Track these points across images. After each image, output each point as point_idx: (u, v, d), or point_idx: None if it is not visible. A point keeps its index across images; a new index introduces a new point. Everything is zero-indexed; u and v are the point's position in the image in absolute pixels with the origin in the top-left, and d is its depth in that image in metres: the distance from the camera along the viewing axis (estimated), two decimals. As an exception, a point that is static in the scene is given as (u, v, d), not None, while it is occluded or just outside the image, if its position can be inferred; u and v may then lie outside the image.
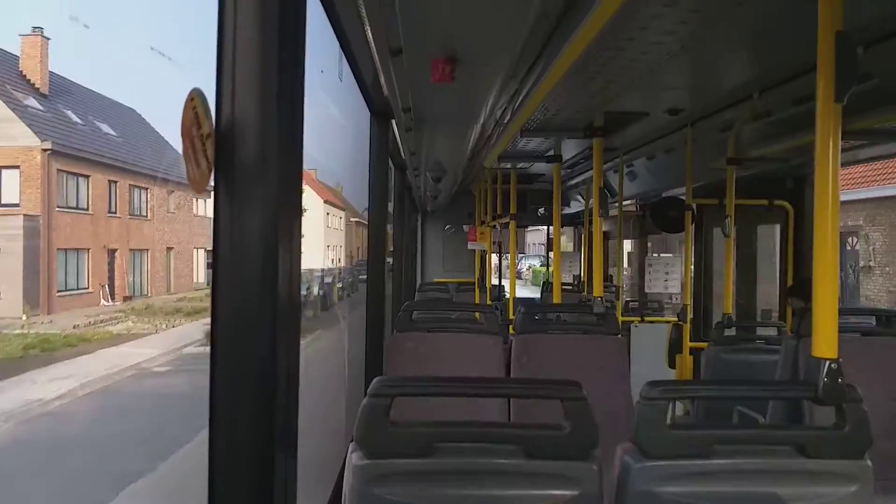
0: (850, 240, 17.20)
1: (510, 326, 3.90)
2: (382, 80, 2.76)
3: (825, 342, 1.83)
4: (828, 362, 1.77)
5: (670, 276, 6.16)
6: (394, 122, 3.60)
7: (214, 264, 1.22)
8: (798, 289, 4.15)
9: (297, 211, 1.33)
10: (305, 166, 1.47)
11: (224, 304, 1.22)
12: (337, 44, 2.47)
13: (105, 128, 21.72)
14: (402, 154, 4.93)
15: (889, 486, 2.01)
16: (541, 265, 26.15)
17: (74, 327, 16.72)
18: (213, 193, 1.25)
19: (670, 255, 6.89)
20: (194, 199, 23.81)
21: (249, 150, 1.22)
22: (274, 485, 1.19)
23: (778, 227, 5.57)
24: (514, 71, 2.88)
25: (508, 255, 7.28)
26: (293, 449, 1.28)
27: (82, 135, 20.45)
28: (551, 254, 5.94)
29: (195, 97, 1.17)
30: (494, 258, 8.59)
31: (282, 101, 1.25)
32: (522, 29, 2.34)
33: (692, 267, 5.92)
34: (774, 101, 3.35)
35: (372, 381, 1.67)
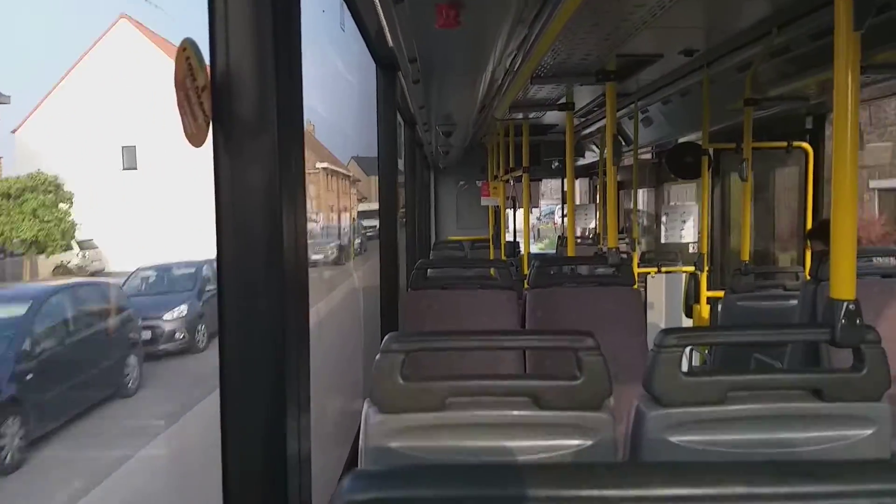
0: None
1: (525, 282, 3.88)
2: (386, 28, 2.68)
3: (843, 283, 1.79)
4: (846, 303, 1.74)
5: (686, 224, 6.08)
6: (400, 74, 3.52)
7: (217, 221, 1.20)
8: (818, 231, 4.07)
9: (300, 163, 1.30)
10: (317, 124, 1.43)
11: (229, 263, 1.20)
12: (337, -8, 2.40)
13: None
14: (411, 108, 4.85)
15: None
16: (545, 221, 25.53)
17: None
18: (213, 148, 1.22)
19: (688, 203, 6.79)
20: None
21: (248, 102, 1.19)
22: (287, 442, 1.19)
23: (797, 170, 5.45)
24: (521, 14, 2.78)
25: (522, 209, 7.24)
26: (306, 406, 1.28)
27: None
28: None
29: (187, 47, 1.13)
30: (509, 213, 8.53)
31: (279, 50, 1.20)
32: None
33: (709, 215, 5.83)
34: (793, 37, 3.22)
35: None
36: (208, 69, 1.17)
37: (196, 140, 1.15)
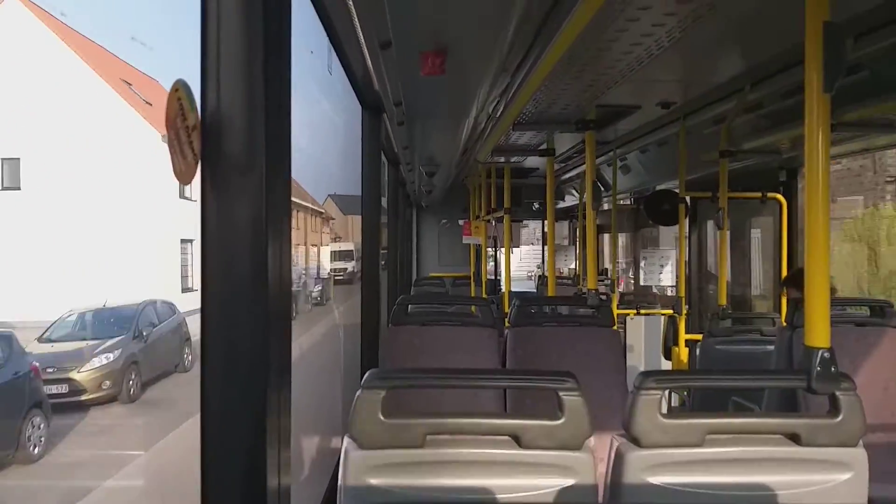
0: None
1: (506, 320, 3.90)
2: (373, 73, 2.75)
3: (818, 331, 1.83)
4: (821, 351, 1.78)
5: (665, 268, 6.17)
6: (385, 116, 3.59)
7: (203, 257, 1.22)
8: (793, 279, 4.16)
9: (286, 203, 1.33)
10: (296, 161, 1.47)
11: (213, 298, 1.22)
12: (326, 37, 2.47)
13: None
14: (395, 148, 4.92)
15: (883, 474, 2.02)
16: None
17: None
18: (201, 186, 1.24)
19: (664, 248, 6.91)
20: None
21: (236, 142, 1.22)
22: (267, 478, 1.19)
23: (772, 220, 5.59)
24: (505, 64, 2.87)
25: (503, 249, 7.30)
26: (286, 441, 1.28)
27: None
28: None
29: (179, 88, 1.16)
30: (490, 252, 8.60)
31: (269, 92, 1.24)
32: (512, 21, 2.34)
33: (686, 260, 5.93)
34: (766, 94, 3.35)
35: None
36: (199, 109, 1.20)
37: (184, 177, 1.18)
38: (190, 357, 11.24)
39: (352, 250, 23.29)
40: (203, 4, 1.18)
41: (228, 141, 1.21)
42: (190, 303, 13.57)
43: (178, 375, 10.74)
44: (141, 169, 14.39)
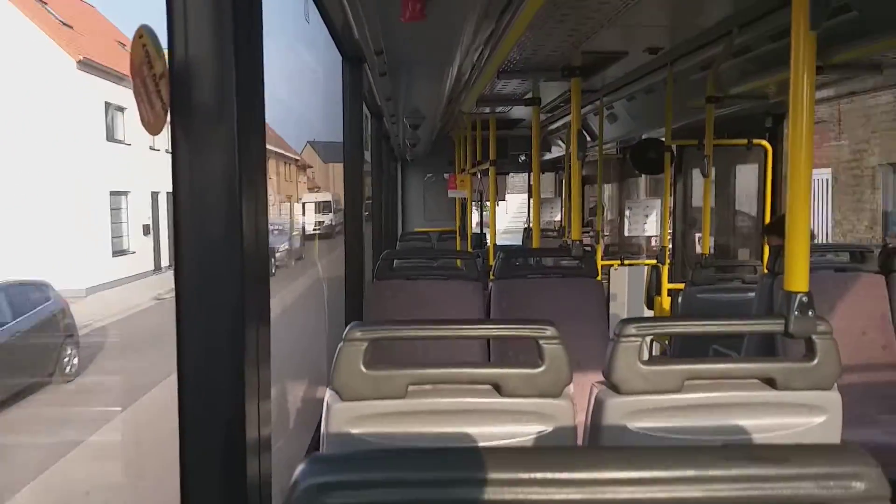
0: None
1: (490, 273, 3.91)
2: (352, 21, 2.66)
3: (797, 276, 1.85)
4: (799, 295, 1.80)
5: (649, 218, 6.19)
6: (367, 66, 3.50)
7: (175, 210, 1.19)
8: (775, 226, 4.18)
9: (261, 153, 1.29)
10: (276, 112, 1.42)
11: (187, 252, 1.19)
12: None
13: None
14: (378, 100, 4.82)
15: (857, 418, 2.06)
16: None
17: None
18: (170, 135, 1.20)
19: (647, 197, 6.92)
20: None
21: (207, 90, 1.17)
22: (246, 429, 1.19)
23: (757, 167, 5.59)
24: (488, 9, 2.79)
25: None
26: (266, 394, 1.28)
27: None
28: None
29: (144, 34, 1.11)
30: (475, 205, 8.58)
31: (238, 38, 1.19)
32: None
33: (671, 209, 5.94)
34: (753, 37, 3.30)
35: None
36: (166, 56, 1.16)
37: (153, 128, 1.14)
38: (76, 359, 8.51)
39: (329, 201, 22.16)
40: None
41: (199, 90, 1.17)
42: (123, 269, 11.81)
43: (56, 388, 8.06)
44: (51, 105, 11.30)
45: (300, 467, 0.74)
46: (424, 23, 2.62)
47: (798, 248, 1.85)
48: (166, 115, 1.16)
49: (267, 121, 1.34)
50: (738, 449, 0.94)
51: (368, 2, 2.48)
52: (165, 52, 1.16)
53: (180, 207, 1.17)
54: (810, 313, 1.77)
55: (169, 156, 1.18)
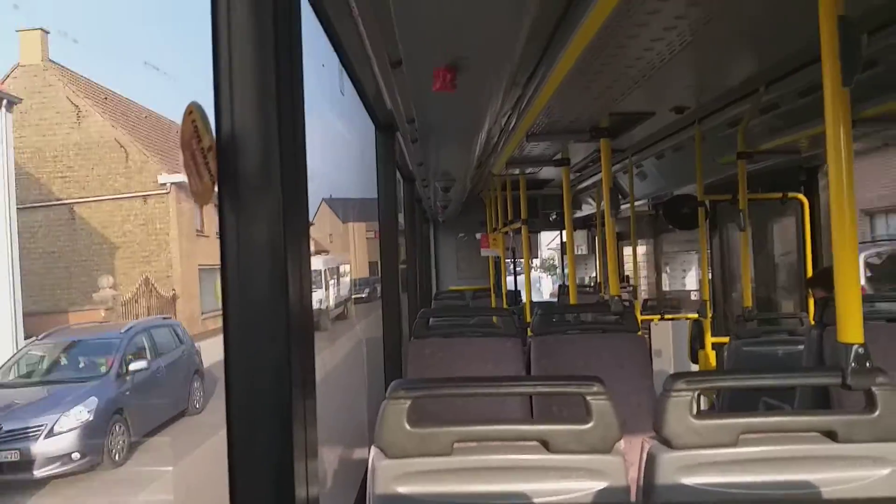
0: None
1: (528, 329, 3.88)
2: (385, 92, 2.77)
3: (851, 327, 1.80)
4: (854, 347, 1.75)
5: (688, 273, 6.11)
6: (399, 134, 3.62)
7: (223, 277, 1.23)
8: (819, 278, 4.10)
9: (304, 220, 1.34)
10: (312, 183, 1.48)
11: (234, 318, 1.23)
12: (337, 59, 2.50)
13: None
14: (410, 165, 4.95)
15: None
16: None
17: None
18: (218, 206, 1.26)
19: (687, 252, 6.86)
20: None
21: (252, 162, 1.24)
22: (295, 489, 1.19)
23: (793, 220, 5.52)
24: (516, 76, 2.88)
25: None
26: (314, 453, 1.29)
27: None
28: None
29: (193, 110, 1.18)
30: (509, 263, 8.60)
31: (282, 112, 1.26)
32: (522, 33, 2.35)
33: (708, 263, 5.87)
34: (781, 93, 3.32)
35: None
36: (213, 131, 1.22)
37: (202, 199, 1.20)
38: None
39: (336, 267, 21.03)
40: (214, 27, 1.20)
41: (245, 162, 1.22)
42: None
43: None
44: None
45: None
46: (455, 92, 2.72)
47: (849, 299, 1.81)
48: (214, 185, 1.22)
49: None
50: None
51: (400, 74, 2.58)
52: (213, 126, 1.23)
53: (228, 273, 1.22)
54: (868, 364, 1.72)
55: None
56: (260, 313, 1.23)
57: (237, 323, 1.23)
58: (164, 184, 20.48)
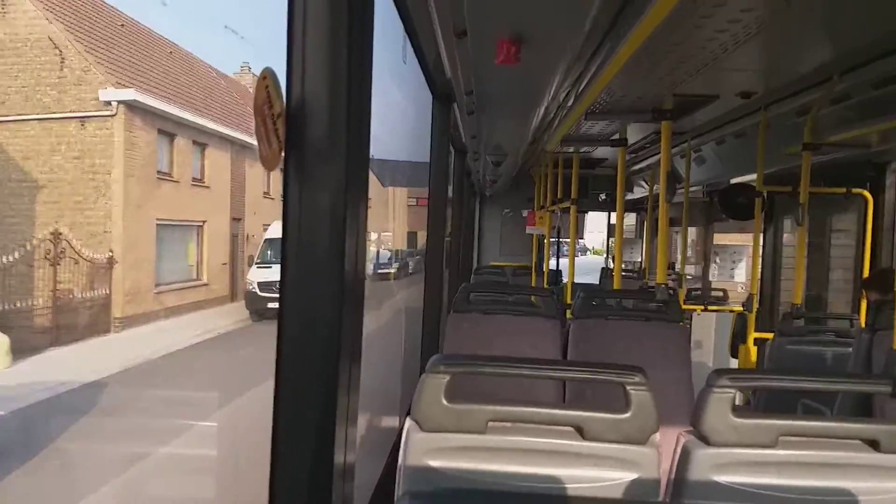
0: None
1: (567, 311, 3.87)
2: (446, 62, 2.75)
3: None
4: None
5: (738, 265, 5.97)
6: (455, 105, 3.60)
7: (284, 240, 1.26)
8: (876, 280, 3.96)
9: (365, 190, 1.35)
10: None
11: (292, 279, 1.26)
12: (401, 26, 2.49)
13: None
14: (463, 137, 4.92)
15: None
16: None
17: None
18: (283, 172, 1.28)
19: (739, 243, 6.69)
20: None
21: (319, 130, 1.25)
22: (334, 454, 1.23)
23: (855, 217, 5.32)
24: (580, 52, 2.82)
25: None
26: (353, 420, 1.32)
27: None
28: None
29: (267, 76, 1.20)
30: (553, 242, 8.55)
31: (351, 81, 1.27)
32: (590, 9, 2.30)
33: (760, 256, 5.73)
34: (855, 83, 3.18)
35: (428, 358, 1.70)
36: (284, 97, 1.24)
37: (270, 164, 1.22)
38: None
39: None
40: None
41: (312, 129, 1.24)
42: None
43: None
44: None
45: (400, 501, 0.75)
46: (516, 65, 2.68)
47: None
48: (281, 152, 1.24)
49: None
50: None
51: (464, 45, 2.56)
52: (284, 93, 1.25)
53: (289, 236, 1.25)
54: None
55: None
56: (316, 278, 1.25)
57: (294, 285, 1.26)
58: (109, 102, 14.72)
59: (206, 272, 18.37)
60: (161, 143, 16.55)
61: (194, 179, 18.25)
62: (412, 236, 18.42)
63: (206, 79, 21.71)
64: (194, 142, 18.12)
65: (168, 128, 16.82)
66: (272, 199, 22.17)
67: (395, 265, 16.37)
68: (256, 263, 17.32)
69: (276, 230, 18.00)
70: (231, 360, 12.42)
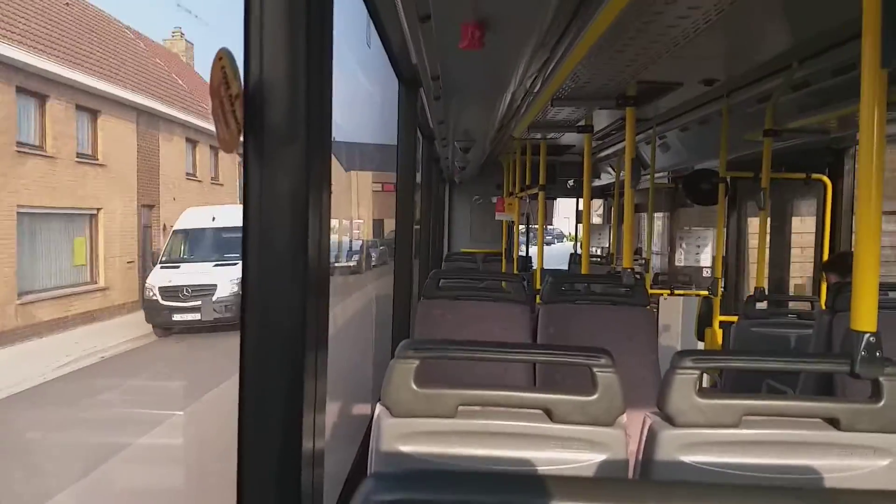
0: None
1: (537, 296, 3.90)
2: (411, 47, 2.73)
3: (864, 315, 1.80)
4: (866, 335, 1.75)
5: (703, 249, 6.08)
6: (422, 90, 3.58)
7: (245, 225, 1.24)
8: (835, 263, 4.06)
9: (327, 173, 1.34)
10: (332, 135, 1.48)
11: (253, 265, 1.24)
12: (365, 10, 2.46)
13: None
14: (431, 123, 4.91)
15: None
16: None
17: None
18: (243, 154, 1.26)
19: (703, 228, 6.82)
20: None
21: (278, 112, 1.23)
22: (302, 441, 1.22)
23: (814, 202, 5.45)
24: (545, 38, 2.83)
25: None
26: (321, 406, 1.31)
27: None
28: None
29: (223, 56, 1.17)
30: (522, 228, 8.60)
31: (310, 62, 1.25)
32: None
33: (724, 240, 5.84)
34: (814, 71, 3.25)
35: (398, 344, 1.70)
36: (242, 78, 1.22)
37: (228, 146, 1.20)
38: None
39: None
40: None
41: (271, 111, 1.22)
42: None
43: None
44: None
45: (365, 484, 0.75)
46: (481, 51, 2.68)
47: (866, 285, 1.80)
48: (240, 133, 1.22)
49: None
50: (812, 492, 0.90)
51: (428, 29, 2.54)
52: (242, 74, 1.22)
53: (249, 222, 1.23)
54: (878, 354, 1.72)
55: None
56: (279, 262, 1.24)
57: (256, 271, 1.24)
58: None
59: (102, 274, 14.72)
60: (25, 105, 12.68)
61: (81, 155, 14.44)
62: (378, 224, 16.50)
63: (114, 38, 18.18)
64: (79, 106, 14.31)
65: (35, 86, 12.78)
66: (198, 181, 18.73)
67: (357, 257, 14.53)
68: (161, 263, 14.21)
69: (190, 219, 14.88)
70: (105, 402, 8.61)
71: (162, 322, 12.66)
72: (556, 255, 11.43)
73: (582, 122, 4.49)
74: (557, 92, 3.63)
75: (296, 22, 1.22)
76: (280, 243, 1.23)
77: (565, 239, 35.51)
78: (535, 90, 3.76)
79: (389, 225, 12.93)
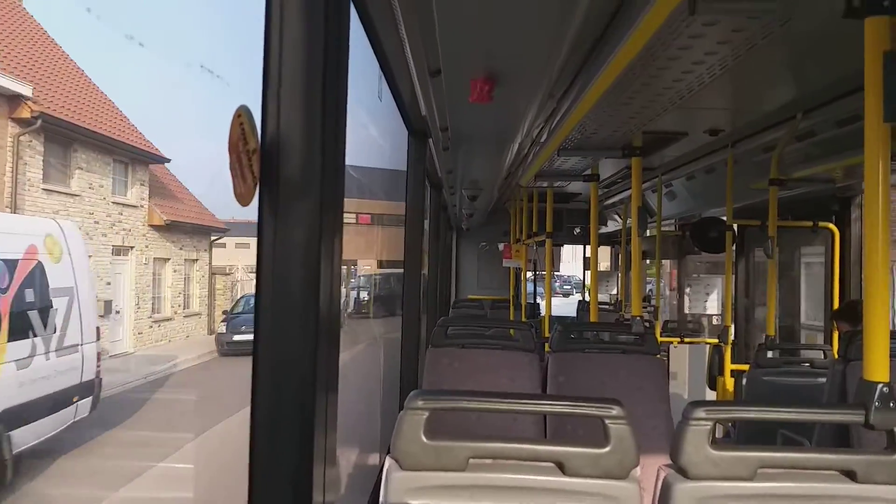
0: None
1: (546, 344, 3.88)
2: (421, 100, 2.80)
3: (877, 365, 1.78)
4: (879, 385, 1.73)
5: (710, 297, 6.05)
6: (431, 141, 3.64)
7: (258, 277, 1.25)
8: (845, 312, 4.04)
9: (339, 226, 1.36)
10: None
11: (266, 317, 1.25)
12: (377, 65, 2.53)
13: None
14: (439, 172, 4.97)
15: None
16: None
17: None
18: (258, 207, 1.28)
19: (711, 275, 6.81)
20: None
21: (293, 165, 1.26)
22: (313, 495, 1.21)
23: (822, 250, 5.44)
24: (552, 90, 2.89)
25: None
26: (332, 459, 1.30)
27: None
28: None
29: (242, 114, 1.21)
30: (530, 275, 8.60)
31: (325, 117, 1.28)
32: (562, 48, 2.36)
33: (733, 288, 5.82)
34: (819, 122, 3.29)
35: (407, 394, 1.69)
36: (259, 134, 1.25)
37: (244, 200, 1.22)
38: None
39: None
40: (266, 35, 1.23)
41: (286, 165, 1.25)
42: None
43: None
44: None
45: None
46: (490, 103, 2.73)
47: (877, 335, 1.79)
48: (256, 187, 1.24)
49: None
50: None
51: (438, 83, 2.61)
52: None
53: (263, 273, 1.24)
54: (892, 404, 1.70)
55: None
56: (291, 313, 1.25)
57: (268, 322, 1.25)
58: None
59: None
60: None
61: None
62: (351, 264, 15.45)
63: None
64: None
65: None
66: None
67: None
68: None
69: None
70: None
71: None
72: (573, 305, 11.25)
73: (588, 171, 4.54)
74: (564, 142, 3.69)
75: (313, 79, 1.26)
76: (292, 294, 1.24)
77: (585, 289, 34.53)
78: (542, 140, 3.82)
79: (365, 262, 12.66)
